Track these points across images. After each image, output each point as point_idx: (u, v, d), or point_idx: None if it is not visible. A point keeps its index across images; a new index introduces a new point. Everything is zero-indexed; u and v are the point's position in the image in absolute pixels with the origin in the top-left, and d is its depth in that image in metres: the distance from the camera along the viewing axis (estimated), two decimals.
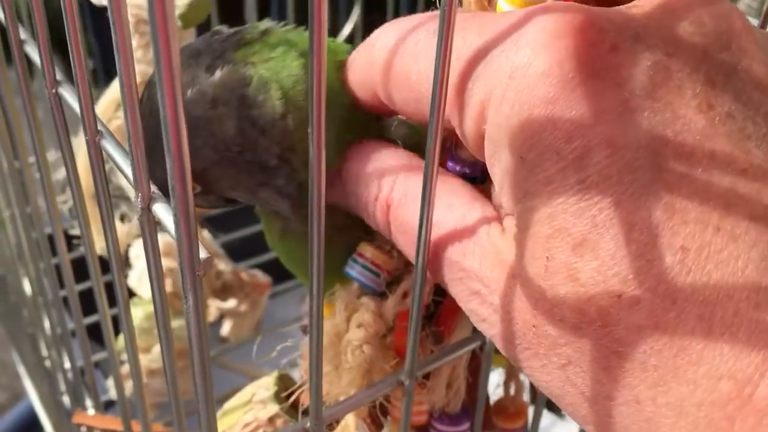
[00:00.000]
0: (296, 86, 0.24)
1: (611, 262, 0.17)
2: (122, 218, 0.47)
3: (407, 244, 0.22)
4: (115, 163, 0.20)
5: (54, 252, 0.33)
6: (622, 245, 0.17)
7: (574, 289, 0.17)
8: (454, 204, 0.21)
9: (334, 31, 0.74)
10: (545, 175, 0.17)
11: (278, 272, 0.57)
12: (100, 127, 0.21)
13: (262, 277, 0.54)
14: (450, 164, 0.23)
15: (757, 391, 0.15)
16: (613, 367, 0.17)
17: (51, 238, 0.33)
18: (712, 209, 0.16)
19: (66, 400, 0.45)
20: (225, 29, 0.26)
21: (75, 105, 0.22)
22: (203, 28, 0.39)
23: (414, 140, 0.25)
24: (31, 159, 0.37)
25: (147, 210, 0.18)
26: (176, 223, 0.16)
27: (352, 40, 0.74)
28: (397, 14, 0.76)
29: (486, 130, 0.19)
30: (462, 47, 0.19)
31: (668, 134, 0.17)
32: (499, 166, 0.19)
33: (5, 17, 0.25)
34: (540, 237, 0.18)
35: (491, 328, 0.20)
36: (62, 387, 0.44)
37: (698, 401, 0.16)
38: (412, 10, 0.77)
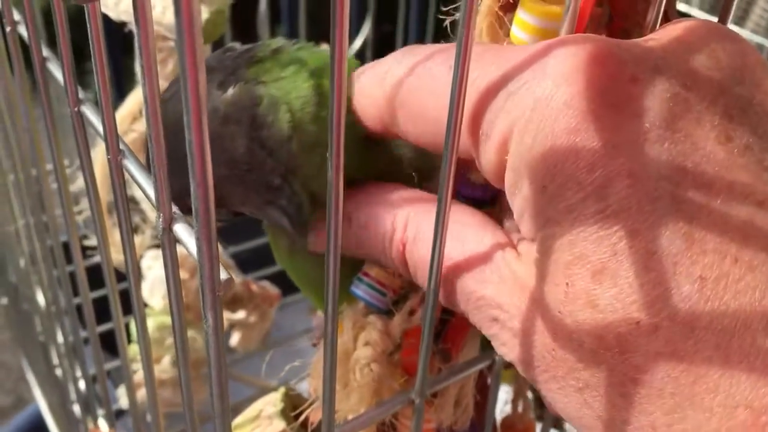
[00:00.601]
0: (304, 108, 0.24)
1: (630, 289, 0.17)
2: (135, 229, 0.48)
3: (426, 279, 0.22)
4: (136, 182, 0.21)
5: (68, 261, 0.33)
6: (642, 273, 0.17)
7: (593, 316, 0.17)
8: (467, 233, 0.22)
9: None
10: (567, 204, 0.18)
11: (287, 283, 0.58)
12: (122, 147, 0.21)
13: (271, 288, 0.54)
14: (462, 189, 0.23)
15: None
16: (629, 393, 0.17)
17: (64, 248, 0.33)
18: (730, 240, 0.17)
19: (76, 408, 0.45)
20: (238, 46, 0.27)
21: (96, 123, 0.23)
22: (217, 45, 0.40)
23: (420, 161, 0.25)
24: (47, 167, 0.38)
25: (168, 230, 0.19)
26: (199, 246, 0.16)
27: (363, 54, 0.74)
28: (407, 28, 0.76)
29: (508, 160, 0.19)
30: (481, 79, 0.19)
31: (688, 165, 0.17)
32: (520, 195, 0.19)
33: (28, 35, 0.25)
34: (560, 264, 0.18)
35: (511, 352, 0.20)
36: (72, 396, 0.45)
37: (714, 429, 0.16)
38: (421, 23, 0.77)
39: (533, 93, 0.18)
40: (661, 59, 0.18)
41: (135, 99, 0.41)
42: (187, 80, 0.14)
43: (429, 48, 0.22)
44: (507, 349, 0.21)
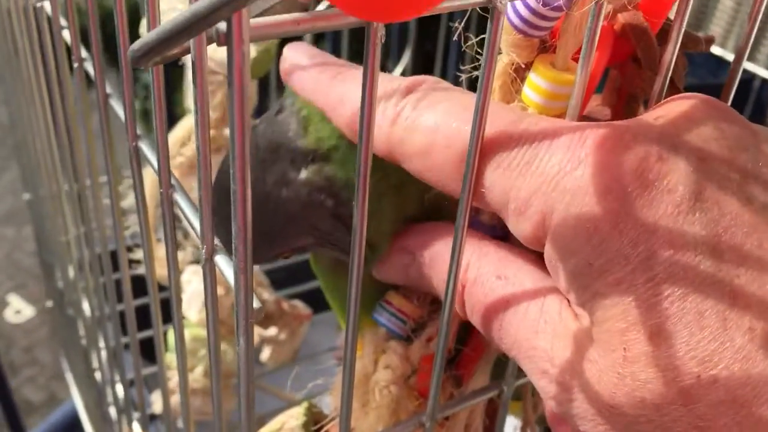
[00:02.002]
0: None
1: (687, 347, 0.19)
2: (177, 246, 0.50)
3: (482, 323, 0.24)
4: (184, 214, 0.23)
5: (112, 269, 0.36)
6: (696, 332, 0.18)
7: (654, 374, 0.19)
8: (525, 279, 0.23)
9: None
10: (615, 277, 0.19)
11: (316, 302, 0.60)
12: (173, 182, 0.24)
13: (302, 308, 0.56)
14: (476, 223, 0.25)
15: None
16: None
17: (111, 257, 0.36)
18: None
19: (112, 411, 0.48)
20: (284, 104, 0.27)
21: (151, 157, 0.25)
22: (262, 79, 0.42)
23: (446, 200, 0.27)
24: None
25: (210, 260, 0.21)
26: (236, 279, 0.19)
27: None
28: (446, 59, 0.78)
29: (549, 238, 0.21)
30: (515, 156, 0.21)
31: (720, 230, 0.19)
32: (565, 269, 0.21)
33: (95, 72, 0.28)
34: (615, 331, 0.19)
35: (560, 406, 0.22)
36: (110, 398, 0.47)
37: None
38: (460, 54, 0.79)
39: (573, 179, 0.20)
40: (676, 137, 0.20)
41: (184, 126, 0.44)
42: (236, 143, 0.17)
43: (448, 99, 0.23)
44: (556, 402, 0.22)
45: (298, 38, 0.27)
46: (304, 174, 0.26)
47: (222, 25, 0.16)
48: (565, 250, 0.20)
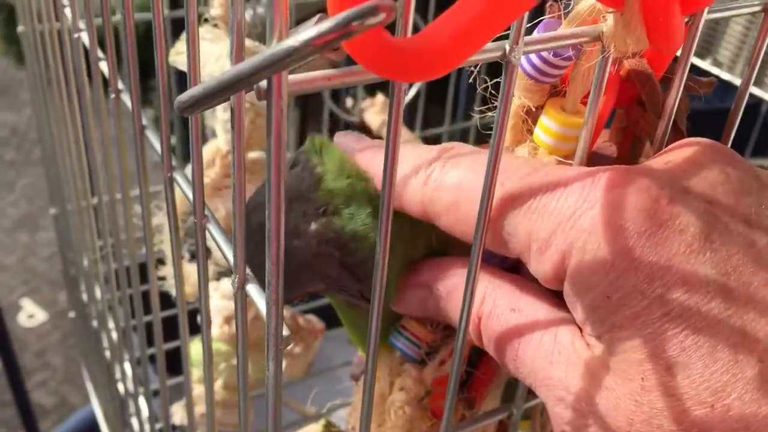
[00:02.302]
0: (370, 234, 0.27)
1: (701, 378, 0.20)
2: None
3: (499, 353, 0.25)
4: (217, 244, 0.25)
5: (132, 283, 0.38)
6: (710, 363, 0.20)
7: (670, 403, 0.20)
8: (539, 311, 0.24)
9: None
10: (632, 312, 0.21)
11: (331, 317, 0.61)
12: (206, 212, 0.26)
13: (317, 322, 0.58)
14: (486, 254, 0.27)
15: None
16: None
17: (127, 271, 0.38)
18: None
19: (134, 422, 0.49)
20: (299, 158, 0.29)
21: (185, 187, 0.27)
22: None
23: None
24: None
25: (242, 289, 0.23)
26: (268, 310, 0.20)
27: (415, 104, 0.78)
28: (458, 81, 0.80)
29: (568, 274, 0.22)
30: (532, 199, 0.22)
31: (728, 269, 0.21)
32: (583, 303, 0.22)
33: (132, 105, 0.30)
34: (633, 362, 0.21)
35: (576, 431, 0.23)
36: (132, 409, 0.49)
37: None
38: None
39: (589, 219, 0.21)
40: (685, 180, 0.22)
41: (209, 149, 0.46)
42: (272, 186, 0.18)
43: (470, 157, 0.24)
44: (572, 428, 0.23)
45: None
46: (314, 226, 0.27)
47: (263, 83, 0.17)
48: (583, 285, 0.22)
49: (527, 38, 0.20)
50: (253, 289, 0.23)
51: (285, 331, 0.21)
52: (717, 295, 0.20)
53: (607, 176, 0.22)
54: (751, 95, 0.72)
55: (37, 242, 2.24)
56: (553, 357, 0.23)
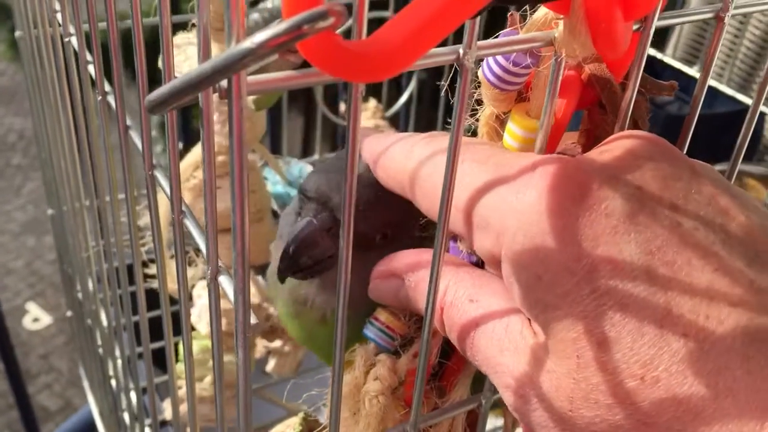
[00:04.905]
0: None
1: (631, 352, 0.21)
2: (189, 263, 0.53)
3: (458, 341, 0.26)
4: (193, 238, 0.26)
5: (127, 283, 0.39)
6: (638, 338, 0.21)
7: (604, 378, 0.21)
8: (493, 303, 0.25)
9: None
10: (563, 290, 0.22)
11: None
12: (183, 208, 0.27)
13: None
14: (452, 246, 0.28)
15: None
16: None
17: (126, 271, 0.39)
18: (699, 301, 0.21)
19: (126, 417, 0.51)
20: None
21: (165, 184, 0.28)
22: (274, 108, 0.45)
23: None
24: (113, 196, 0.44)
25: (214, 280, 0.24)
26: (236, 299, 0.21)
27: (409, 105, 0.79)
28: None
29: (503, 254, 0.23)
30: (481, 181, 0.24)
31: (653, 249, 0.22)
32: (517, 284, 0.23)
33: (116, 107, 0.31)
34: (568, 340, 0.22)
35: (523, 417, 0.24)
36: (123, 405, 0.50)
37: None
38: None
39: (522, 201, 0.23)
40: (617, 168, 0.23)
41: (198, 151, 0.47)
42: (235, 180, 0.19)
43: (443, 142, 0.25)
44: (519, 414, 0.24)
45: None
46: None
47: (224, 82, 0.19)
48: (516, 265, 0.23)
49: (480, 43, 0.21)
50: (225, 280, 0.24)
51: (253, 320, 0.22)
52: (642, 273, 0.21)
53: (545, 163, 0.23)
54: (738, 102, 0.73)
55: (43, 246, 2.25)
56: (503, 345, 0.24)
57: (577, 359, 0.22)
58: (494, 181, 0.24)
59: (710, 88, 0.70)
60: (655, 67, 0.84)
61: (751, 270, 0.21)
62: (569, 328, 0.22)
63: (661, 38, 0.96)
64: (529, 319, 0.24)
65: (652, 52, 0.76)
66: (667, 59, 0.70)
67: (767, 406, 0.20)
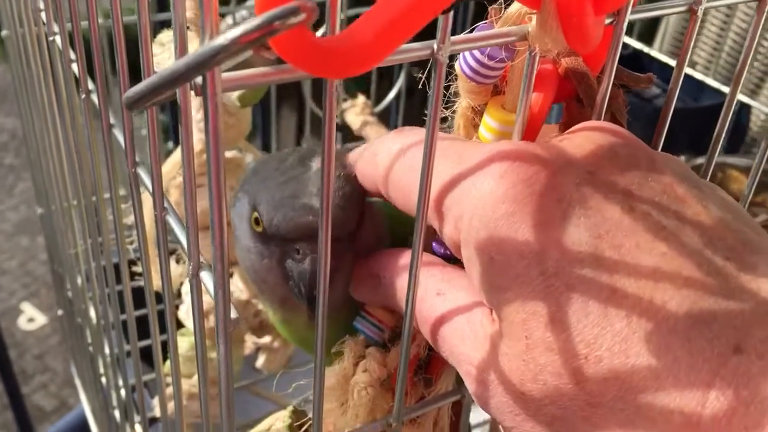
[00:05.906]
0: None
1: (576, 332, 0.22)
2: (178, 260, 0.54)
3: (428, 334, 0.27)
4: (175, 233, 0.26)
5: (117, 281, 0.39)
6: (582, 318, 0.22)
7: (551, 358, 0.22)
8: (456, 295, 0.26)
9: None
10: (514, 272, 0.23)
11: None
12: (165, 205, 0.27)
13: None
14: (435, 246, 0.28)
15: (702, 419, 0.20)
16: (589, 416, 0.22)
17: (115, 269, 0.39)
18: (644, 284, 0.21)
19: (117, 414, 0.51)
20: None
21: (147, 182, 0.28)
22: (262, 104, 0.45)
23: (399, 219, 0.30)
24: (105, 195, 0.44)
25: (196, 275, 0.24)
26: (216, 294, 0.22)
27: (398, 104, 0.79)
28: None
29: (462, 239, 0.24)
30: (444, 171, 0.24)
31: (601, 232, 0.22)
32: (474, 267, 0.24)
33: (99, 103, 0.31)
34: (518, 322, 0.23)
35: (484, 404, 0.25)
36: (114, 402, 0.50)
37: None
38: None
39: (477, 187, 0.23)
40: (572, 155, 0.24)
41: None
42: (212, 175, 0.20)
43: (420, 133, 0.27)
44: (480, 401, 0.25)
45: None
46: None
47: (199, 79, 0.19)
48: (472, 248, 0.24)
49: (454, 38, 0.21)
50: (206, 276, 0.24)
51: (233, 314, 0.23)
52: (588, 256, 0.22)
53: (503, 151, 0.24)
54: (725, 95, 0.74)
55: (37, 246, 2.25)
56: (464, 335, 0.25)
57: (525, 340, 0.22)
58: (455, 172, 0.24)
59: (697, 81, 0.70)
60: (642, 61, 0.85)
61: (702, 255, 0.22)
62: (519, 310, 0.22)
63: (649, 32, 0.96)
64: (490, 310, 0.24)
65: (639, 45, 0.76)
66: (654, 53, 0.71)
67: (707, 386, 0.20)
